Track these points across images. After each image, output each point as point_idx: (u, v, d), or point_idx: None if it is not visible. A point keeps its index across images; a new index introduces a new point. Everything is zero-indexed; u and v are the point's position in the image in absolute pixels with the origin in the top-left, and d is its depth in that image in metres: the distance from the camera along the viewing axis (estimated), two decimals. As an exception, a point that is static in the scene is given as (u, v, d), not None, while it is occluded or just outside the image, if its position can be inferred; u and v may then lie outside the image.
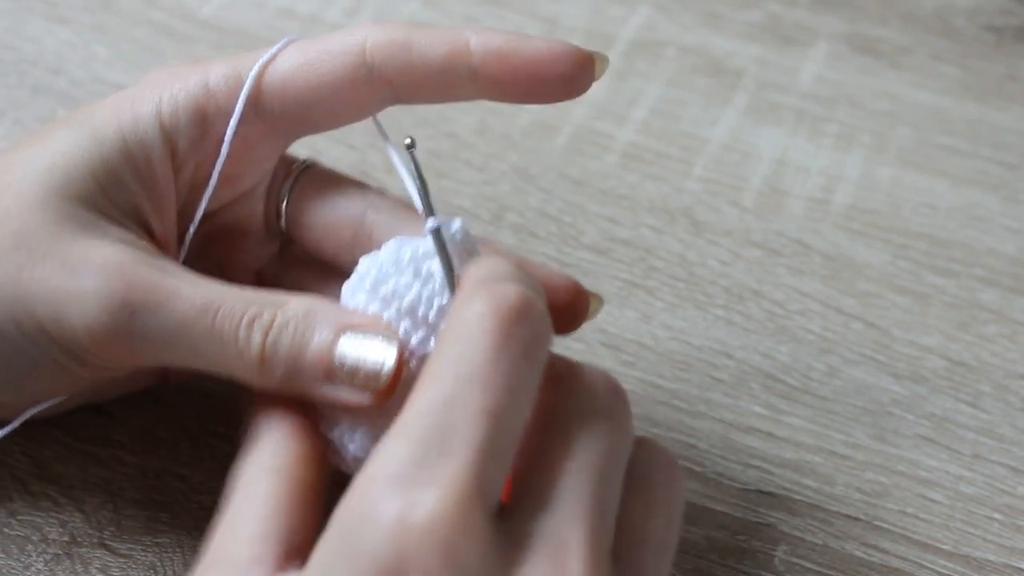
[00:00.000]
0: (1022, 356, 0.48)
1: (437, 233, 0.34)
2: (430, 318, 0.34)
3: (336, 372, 0.34)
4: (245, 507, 0.31)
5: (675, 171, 0.54)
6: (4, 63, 0.57)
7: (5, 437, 0.39)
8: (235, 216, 0.40)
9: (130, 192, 0.36)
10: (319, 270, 0.41)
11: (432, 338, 0.34)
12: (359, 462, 0.33)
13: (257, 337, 0.34)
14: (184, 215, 0.39)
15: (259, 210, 0.41)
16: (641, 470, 0.32)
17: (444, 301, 0.34)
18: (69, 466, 0.42)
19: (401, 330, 0.34)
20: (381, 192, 0.40)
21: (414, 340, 0.34)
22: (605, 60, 0.36)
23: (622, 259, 0.50)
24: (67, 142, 0.36)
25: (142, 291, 0.34)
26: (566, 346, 0.47)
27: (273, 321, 0.34)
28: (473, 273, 0.31)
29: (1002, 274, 0.51)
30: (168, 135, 0.37)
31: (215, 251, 0.40)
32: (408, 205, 0.38)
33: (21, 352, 0.35)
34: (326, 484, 0.33)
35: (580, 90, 0.36)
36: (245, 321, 0.34)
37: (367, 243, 0.38)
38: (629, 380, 0.46)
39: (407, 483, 0.27)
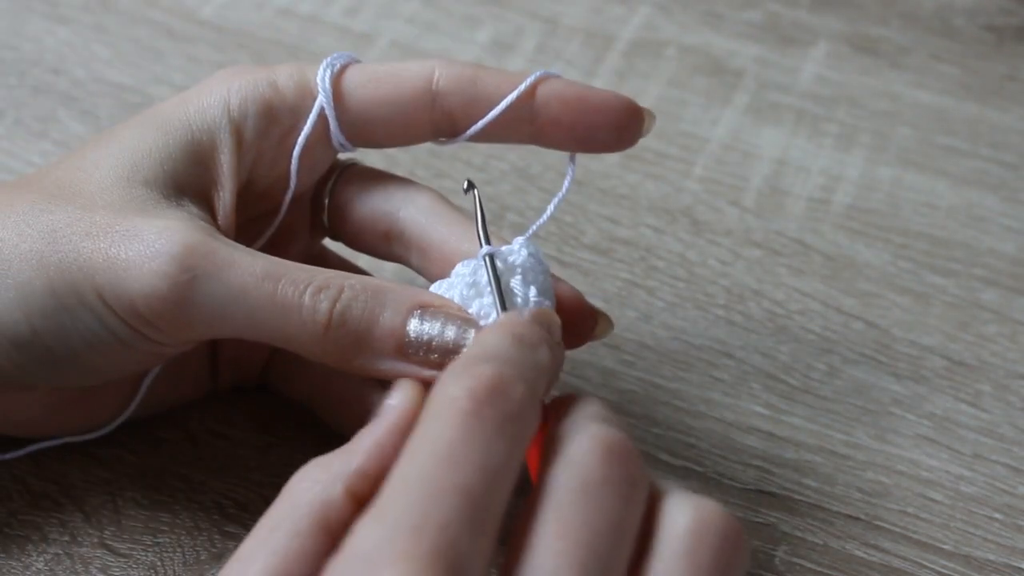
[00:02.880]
0: (1022, 356, 0.48)
1: (491, 259, 0.36)
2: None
3: (408, 348, 0.34)
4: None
5: (675, 171, 0.54)
6: (4, 63, 0.57)
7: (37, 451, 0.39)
8: (285, 218, 0.41)
9: (195, 176, 0.38)
10: None
11: None
12: None
13: (324, 305, 0.34)
14: (240, 204, 0.39)
15: (307, 211, 0.42)
16: (671, 531, 0.30)
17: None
18: (69, 466, 0.42)
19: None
20: (422, 189, 0.40)
21: None
22: (653, 117, 0.38)
23: (622, 259, 0.50)
24: (135, 135, 0.38)
25: (201, 256, 0.34)
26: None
27: (341, 291, 0.34)
28: (466, 351, 0.33)
29: (1002, 274, 0.51)
30: (235, 123, 0.38)
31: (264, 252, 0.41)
32: (443, 202, 0.39)
33: (80, 324, 0.35)
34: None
35: (629, 143, 0.38)
36: (311, 289, 0.34)
37: (399, 239, 0.39)
38: (629, 380, 0.46)
39: (375, 564, 0.26)
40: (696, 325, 0.48)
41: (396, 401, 0.33)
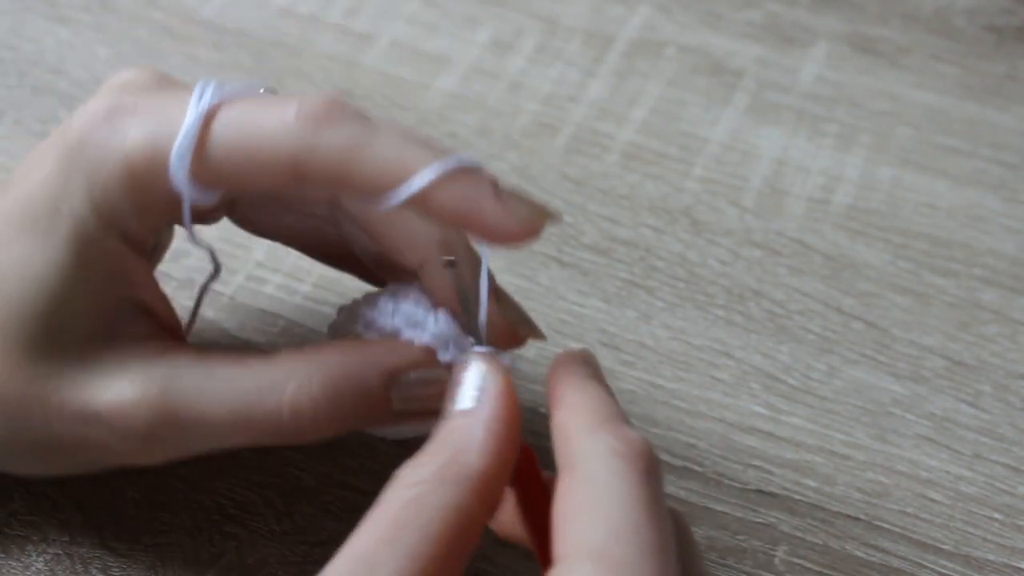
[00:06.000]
0: (1022, 356, 0.48)
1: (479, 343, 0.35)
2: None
3: (399, 417, 0.35)
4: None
5: (675, 171, 0.54)
6: (4, 63, 0.57)
7: None
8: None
9: (111, 293, 0.36)
10: None
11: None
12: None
13: (306, 421, 0.34)
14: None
15: None
16: None
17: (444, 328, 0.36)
18: (69, 466, 0.42)
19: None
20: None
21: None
22: (559, 218, 0.36)
23: (622, 259, 0.50)
24: (29, 278, 0.35)
25: (166, 423, 0.35)
26: (563, 345, 0.47)
27: (314, 401, 0.34)
28: (581, 402, 0.32)
29: (1002, 274, 0.51)
30: (114, 224, 0.35)
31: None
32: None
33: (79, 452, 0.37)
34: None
35: (525, 245, 0.34)
36: (287, 412, 0.34)
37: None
38: (629, 380, 0.46)
39: None
40: (696, 325, 0.48)
41: (487, 384, 0.32)
